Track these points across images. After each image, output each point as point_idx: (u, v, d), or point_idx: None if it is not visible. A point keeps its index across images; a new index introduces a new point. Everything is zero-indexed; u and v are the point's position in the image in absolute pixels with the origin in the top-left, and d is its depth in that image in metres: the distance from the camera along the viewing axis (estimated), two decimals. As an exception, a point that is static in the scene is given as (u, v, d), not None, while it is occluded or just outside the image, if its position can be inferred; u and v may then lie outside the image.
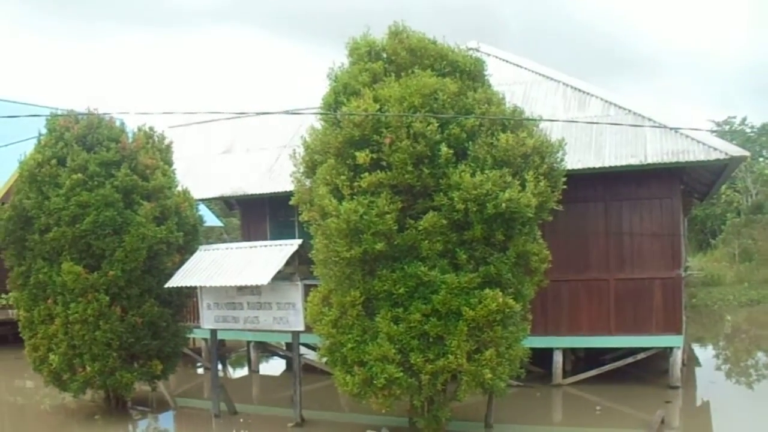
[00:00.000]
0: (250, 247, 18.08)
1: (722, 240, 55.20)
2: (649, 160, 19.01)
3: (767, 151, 66.74)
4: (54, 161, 17.95)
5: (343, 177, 14.10)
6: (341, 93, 15.23)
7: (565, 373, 21.01)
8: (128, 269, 17.57)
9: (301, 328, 16.89)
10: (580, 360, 22.72)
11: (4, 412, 22.74)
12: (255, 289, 17.20)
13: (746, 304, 41.43)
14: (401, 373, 13.74)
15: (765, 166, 64.10)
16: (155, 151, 19.09)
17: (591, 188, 20.10)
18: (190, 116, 28.97)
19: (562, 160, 15.30)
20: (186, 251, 18.74)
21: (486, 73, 16.09)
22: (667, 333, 19.81)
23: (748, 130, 66.13)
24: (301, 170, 15.90)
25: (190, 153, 27.92)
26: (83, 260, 17.67)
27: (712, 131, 44.61)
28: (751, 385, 23.01)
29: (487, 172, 13.54)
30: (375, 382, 13.86)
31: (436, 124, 13.85)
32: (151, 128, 19.48)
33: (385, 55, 15.70)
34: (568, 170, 15.91)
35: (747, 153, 19.63)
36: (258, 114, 27.98)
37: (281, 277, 16.66)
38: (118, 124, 19.15)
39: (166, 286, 17.91)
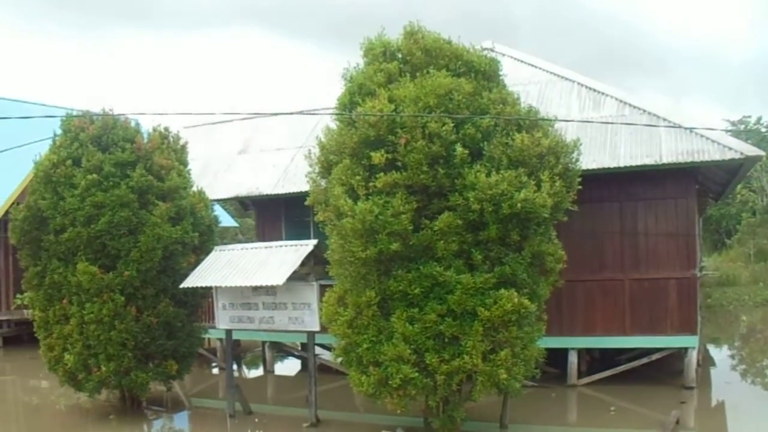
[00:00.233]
0: (266, 248, 18.07)
1: (737, 240, 54.92)
2: (664, 160, 18.95)
3: (782, 150, 66.32)
4: (69, 162, 18.02)
5: (358, 177, 14.11)
6: (356, 93, 15.23)
7: (580, 374, 20.95)
8: (143, 269, 17.60)
9: (317, 328, 16.87)
10: (595, 360, 22.66)
11: (19, 411, 22.80)
12: (270, 290, 17.19)
13: (761, 304, 41.26)
14: (416, 374, 13.74)
15: (780, 165, 63.89)
16: (170, 151, 19.13)
17: (606, 188, 20.05)
18: (205, 117, 29.03)
19: (577, 160, 15.26)
20: (201, 251, 18.78)
21: (501, 73, 16.08)
22: (682, 333, 19.73)
23: (764, 130, 65.84)
24: (317, 170, 15.93)
25: (205, 153, 27.97)
26: (98, 260, 17.69)
27: (727, 131, 44.43)
28: (766, 385, 22.94)
29: (502, 172, 13.55)
30: (390, 382, 13.88)
31: (452, 125, 13.84)
32: (166, 129, 19.52)
33: (400, 56, 15.70)
34: (583, 170, 15.85)
35: (762, 152, 19.51)
36: (273, 114, 27.99)
37: (296, 277, 16.62)
38: (132, 124, 19.18)
39: (181, 286, 17.93)
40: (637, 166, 19.21)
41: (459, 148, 13.71)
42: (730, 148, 18.72)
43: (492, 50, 17.09)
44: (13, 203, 26.80)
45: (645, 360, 20.49)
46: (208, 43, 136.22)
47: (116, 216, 17.40)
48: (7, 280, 34.89)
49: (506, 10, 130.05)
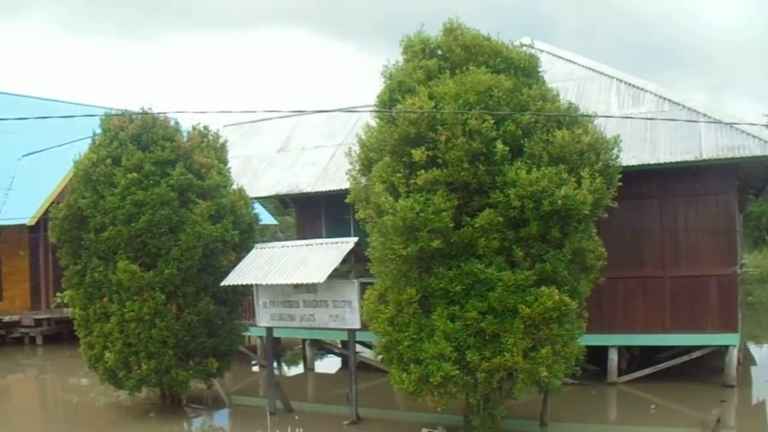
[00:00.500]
0: (306, 245, 18.09)
1: (779, 237, 54.52)
2: (705, 156, 18.81)
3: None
4: (109, 161, 18.13)
5: (399, 174, 14.12)
6: (396, 90, 15.25)
7: (620, 372, 20.83)
8: (184, 267, 17.69)
9: (358, 326, 16.86)
10: (635, 358, 22.53)
11: (59, 409, 23.04)
12: (311, 287, 17.21)
13: (803, 301, 40.89)
14: (457, 371, 13.71)
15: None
16: (210, 149, 19.23)
17: (645, 185, 19.93)
18: (244, 115, 29.15)
19: (617, 156, 15.24)
20: (242, 249, 18.82)
21: (540, 69, 16.05)
22: (722, 331, 19.57)
23: (805, 125, 65.22)
24: (357, 168, 15.94)
25: (245, 152, 28.12)
26: (139, 259, 17.82)
27: (768, 126, 44.01)
28: (808, 384, 22.73)
29: (543, 168, 13.52)
30: (431, 379, 13.85)
31: (492, 121, 13.82)
32: (205, 127, 19.62)
33: (439, 52, 15.71)
34: (623, 167, 15.81)
35: (804, 148, 19.36)
36: (313, 112, 28.08)
37: (337, 275, 16.65)
38: (172, 123, 19.27)
39: (222, 284, 18.01)
40: (676, 162, 19.08)
41: (499, 145, 13.68)
42: (772, 144, 18.58)
43: (530, 46, 16.99)
44: (52, 202, 27.00)
45: (685, 358, 20.37)
46: (248, 43, 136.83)
47: (156, 214, 17.50)
48: (46, 278, 35.31)
49: (539, 5, 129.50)
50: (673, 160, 19.08)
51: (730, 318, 19.67)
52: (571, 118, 14.87)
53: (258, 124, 30.25)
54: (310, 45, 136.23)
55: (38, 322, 33.54)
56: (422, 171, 13.83)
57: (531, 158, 13.89)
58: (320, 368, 26.60)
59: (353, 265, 17.23)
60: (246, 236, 19.18)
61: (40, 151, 37.14)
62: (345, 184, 16.89)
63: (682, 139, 19.52)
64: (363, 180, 15.81)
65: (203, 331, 18.24)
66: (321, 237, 22.98)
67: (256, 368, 26.77)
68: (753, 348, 28.19)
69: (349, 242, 17.26)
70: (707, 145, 19.03)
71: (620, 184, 15.11)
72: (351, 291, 16.82)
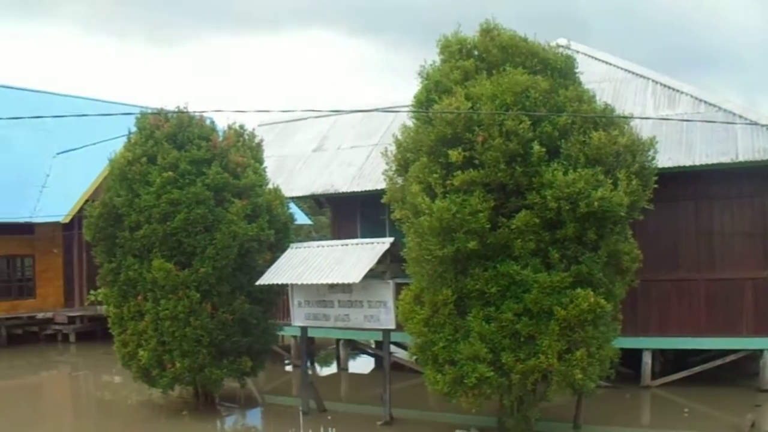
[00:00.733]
0: (342, 245, 18.12)
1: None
2: (741, 158, 18.71)
3: None
4: (144, 159, 18.20)
5: (435, 175, 14.11)
6: (433, 91, 15.27)
7: (654, 375, 20.72)
8: (219, 266, 17.69)
9: (393, 326, 16.89)
10: (669, 361, 22.41)
11: (92, 407, 23.20)
12: (346, 287, 17.23)
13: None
14: (492, 373, 13.71)
15: None
16: (246, 149, 19.27)
17: (681, 187, 19.81)
18: (280, 115, 29.20)
19: (653, 158, 15.19)
20: (277, 249, 18.83)
21: (576, 70, 16.01)
22: (758, 335, 19.44)
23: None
24: (393, 168, 15.95)
25: (281, 151, 28.22)
26: (174, 257, 17.86)
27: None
28: None
29: (579, 170, 13.48)
30: (465, 381, 13.85)
31: (529, 122, 13.81)
32: (241, 126, 19.67)
33: (476, 53, 15.70)
34: (659, 169, 15.75)
35: (843, 150, 19.22)
36: (349, 112, 28.10)
37: (372, 275, 16.69)
38: (207, 122, 19.34)
39: (257, 283, 18.08)
40: (712, 165, 19.00)
41: (536, 146, 13.67)
42: (810, 146, 18.46)
43: (567, 47, 16.95)
44: (87, 200, 27.18)
45: (719, 362, 20.22)
46: (284, 45, 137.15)
47: (192, 213, 17.54)
48: (80, 276, 35.58)
49: (575, 11, 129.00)
50: (709, 162, 19.00)
51: (765, 322, 19.53)
52: (608, 120, 14.80)
53: (293, 124, 30.31)
54: (348, 47, 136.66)
55: (71, 320, 33.87)
56: (459, 172, 13.81)
57: (567, 159, 13.85)
58: (353, 368, 26.54)
59: (389, 265, 17.24)
60: (281, 236, 19.18)
61: (74, 149, 37.37)
62: (381, 185, 16.92)
63: (718, 140, 19.43)
64: (399, 180, 15.83)
65: (237, 330, 18.23)
66: (356, 237, 22.98)
67: (289, 368, 26.87)
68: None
69: (384, 243, 17.29)
70: (743, 147, 18.93)
71: (656, 186, 15.03)
72: (386, 291, 16.82)
